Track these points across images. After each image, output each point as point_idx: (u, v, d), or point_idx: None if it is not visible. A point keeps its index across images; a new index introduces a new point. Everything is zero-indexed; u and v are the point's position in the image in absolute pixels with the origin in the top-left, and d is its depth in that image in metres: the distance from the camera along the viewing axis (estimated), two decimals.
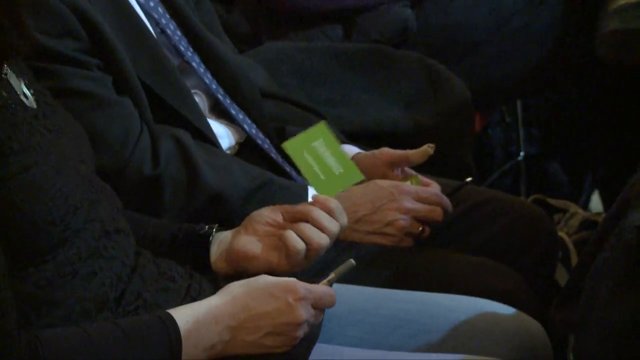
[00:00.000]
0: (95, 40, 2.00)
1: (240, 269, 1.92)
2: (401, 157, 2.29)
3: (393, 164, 2.30)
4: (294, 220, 1.90)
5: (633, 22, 2.90)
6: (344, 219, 1.89)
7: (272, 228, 1.91)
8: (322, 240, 1.84)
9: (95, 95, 1.99)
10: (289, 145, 2.27)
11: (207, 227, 1.96)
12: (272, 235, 1.90)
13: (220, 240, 1.96)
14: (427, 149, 2.23)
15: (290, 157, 2.26)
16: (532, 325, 2.05)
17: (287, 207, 1.95)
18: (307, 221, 1.88)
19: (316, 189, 2.21)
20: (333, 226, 1.86)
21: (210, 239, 1.96)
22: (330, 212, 1.87)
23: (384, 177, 2.28)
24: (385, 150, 2.31)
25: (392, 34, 2.96)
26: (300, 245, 1.82)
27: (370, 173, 2.28)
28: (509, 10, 3.10)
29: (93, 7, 1.98)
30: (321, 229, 1.85)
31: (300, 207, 1.93)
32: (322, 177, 2.19)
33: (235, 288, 1.71)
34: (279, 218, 1.92)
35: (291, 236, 1.83)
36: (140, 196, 2.05)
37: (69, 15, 1.95)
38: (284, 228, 1.89)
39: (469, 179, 2.24)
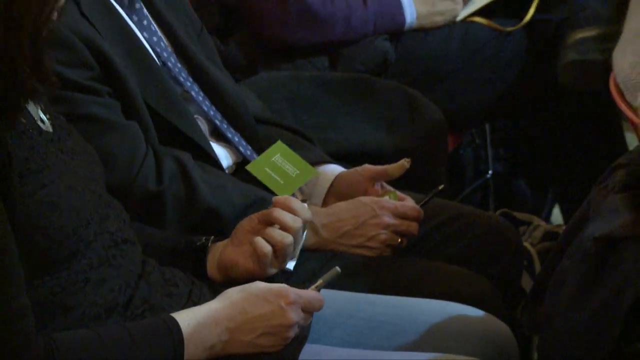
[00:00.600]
0: (106, 69, 2.01)
1: (229, 277, 1.92)
2: (381, 172, 2.29)
3: (374, 179, 2.30)
4: (265, 223, 1.91)
5: (589, 54, 2.92)
6: (307, 214, 1.90)
7: (251, 235, 1.92)
8: (285, 238, 1.85)
9: (106, 120, 2.00)
10: (251, 166, 2.29)
11: (204, 238, 1.97)
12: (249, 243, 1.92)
13: (215, 252, 1.97)
14: (404, 162, 2.25)
15: (254, 176, 2.26)
16: (500, 326, 2.05)
17: (259, 213, 1.95)
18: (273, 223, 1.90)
19: (277, 193, 2.22)
20: (296, 223, 1.86)
21: (207, 250, 1.97)
22: (291, 210, 1.87)
23: (366, 191, 2.28)
24: (367, 167, 2.32)
25: (373, 64, 2.96)
26: (266, 248, 1.83)
27: (353, 189, 2.30)
28: (478, 43, 3.11)
29: (105, 40, 2.00)
30: (284, 227, 1.85)
31: (265, 211, 1.93)
32: (281, 182, 2.21)
33: (233, 293, 1.73)
34: (255, 224, 1.92)
35: (258, 241, 1.84)
36: (145, 210, 2.05)
37: (82, 48, 1.96)
38: (259, 233, 1.91)
39: (441, 186, 2.26)
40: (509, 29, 3.13)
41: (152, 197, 2.07)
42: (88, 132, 1.86)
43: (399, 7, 3.00)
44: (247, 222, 1.94)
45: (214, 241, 1.98)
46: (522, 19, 3.16)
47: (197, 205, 2.11)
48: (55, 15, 1.58)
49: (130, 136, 2.04)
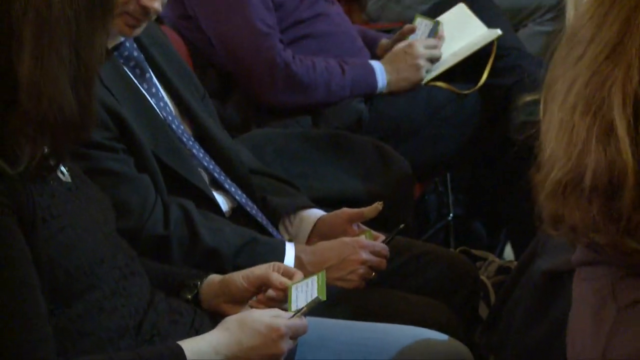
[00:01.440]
0: (122, 130, 2.02)
1: None
2: (358, 213, 2.30)
3: (351, 220, 2.30)
4: (259, 287, 1.89)
5: (535, 115, 2.94)
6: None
7: (248, 294, 1.90)
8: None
9: (121, 173, 2.01)
10: None
11: (192, 283, 1.94)
12: (244, 302, 1.90)
13: (210, 287, 1.94)
14: (377, 205, 2.25)
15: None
16: (461, 348, 2.06)
17: (253, 280, 1.90)
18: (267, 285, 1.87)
19: None
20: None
21: (198, 294, 1.94)
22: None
23: (345, 232, 2.28)
24: (345, 210, 2.33)
25: (350, 122, 2.97)
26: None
27: (333, 229, 2.31)
28: (440, 104, 3.12)
29: (121, 105, 2.02)
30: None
31: (259, 281, 1.90)
32: None
33: (230, 324, 1.72)
34: (249, 286, 1.89)
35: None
36: (154, 251, 2.05)
37: (102, 112, 1.97)
38: (250, 292, 1.88)
39: (402, 225, 2.24)
40: (466, 92, 3.15)
41: (160, 240, 2.07)
42: (105, 184, 1.88)
43: (373, 75, 3.02)
44: (244, 282, 1.90)
45: (204, 279, 1.96)
46: (477, 83, 3.19)
47: (199, 246, 2.10)
48: None
49: (142, 187, 2.05)
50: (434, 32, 3.23)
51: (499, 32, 3.18)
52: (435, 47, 3.16)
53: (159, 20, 2.82)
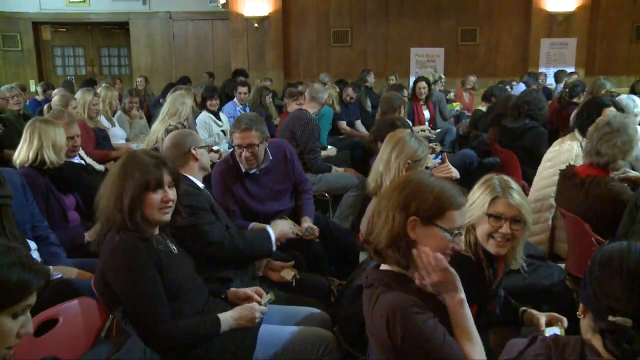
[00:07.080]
0: None
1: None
2: (283, 266, 2.29)
3: (282, 267, 2.28)
4: (246, 298, 1.89)
5: None
6: (264, 308, 1.85)
7: (244, 297, 1.92)
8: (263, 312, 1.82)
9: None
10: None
11: (225, 290, 1.96)
12: (244, 300, 1.90)
13: (230, 296, 1.94)
14: (290, 264, 2.27)
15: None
16: (326, 315, 2.05)
17: (245, 291, 1.92)
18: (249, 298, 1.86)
19: None
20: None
21: (226, 293, 1.95)
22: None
23: (278, 269, 2.27)
24: (280, 262, 2.31)
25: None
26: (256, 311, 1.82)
27: (275, 267, 2.28)
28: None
29: None
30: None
31: (245, 295, 1.91)
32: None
33: (237, 308, 1.81)
34: (243, 294, 1.92)
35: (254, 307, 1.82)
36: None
37: None
38: (245, 298, 1.90)
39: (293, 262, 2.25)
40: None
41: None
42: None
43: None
44: (243, 294, 1.93)
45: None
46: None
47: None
48: None
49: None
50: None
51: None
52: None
53: None
